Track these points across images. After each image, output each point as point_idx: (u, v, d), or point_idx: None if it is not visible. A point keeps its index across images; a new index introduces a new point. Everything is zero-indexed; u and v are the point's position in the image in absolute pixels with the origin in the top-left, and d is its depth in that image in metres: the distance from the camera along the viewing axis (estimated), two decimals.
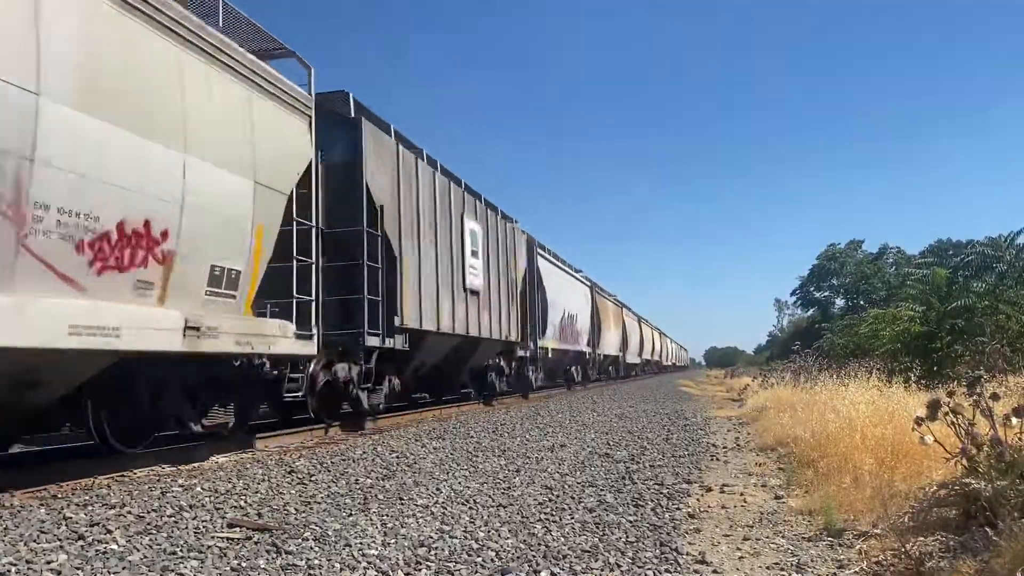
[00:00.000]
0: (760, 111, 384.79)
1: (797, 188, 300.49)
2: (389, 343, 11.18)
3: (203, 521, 4.74)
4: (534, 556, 4.05)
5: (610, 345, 35.54)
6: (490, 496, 5.78)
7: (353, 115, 11.09)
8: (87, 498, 5.36)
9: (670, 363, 77.64)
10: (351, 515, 5.06)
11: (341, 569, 3.79)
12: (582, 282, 29.51)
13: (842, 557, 4.08)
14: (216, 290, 6.95)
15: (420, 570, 3.81)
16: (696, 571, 3.91)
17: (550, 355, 22.37)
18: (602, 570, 3.84)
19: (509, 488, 6.16)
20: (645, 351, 52.38)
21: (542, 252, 22.89)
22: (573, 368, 27.53)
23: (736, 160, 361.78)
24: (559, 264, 25.75)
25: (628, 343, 42.12)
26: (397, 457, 7.83)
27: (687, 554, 4.19)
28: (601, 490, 6.10)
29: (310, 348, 8.58)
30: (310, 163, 8.70)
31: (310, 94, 8.79)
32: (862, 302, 53.99)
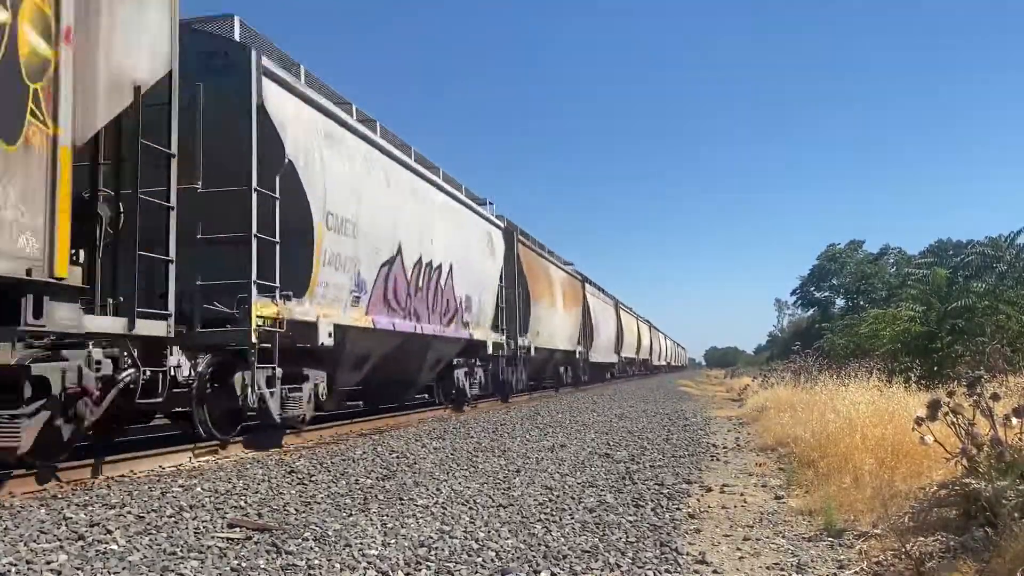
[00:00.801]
0: (761, 111, 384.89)
1: (798, 188, 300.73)
2: None
3: (203, 521, 4.73)
4: (534, 556, 4.05)
5: (555, 334, 22.96)
6: (490, 496, 5.78)
7: None
8: (87, 498, 5.36)
9: (663, 363, 68.75)
10: (351, 515, 5.05)
11: (341, 569, 3.79)
12: (481, 217, 16.28)
13: (842, 557, 4.08)
14: None
15: (420, 570, 3.81)
16: (696, 571, 3.91)
17: (324, 339, 9.00)
18: (602, 570, 3.84)
19: (509, 488, 6.16)
20: (626, 346, 40.19)
21: (302, 92, 9.04)
22: (461, 372, 15.11)
23: (736, 160, 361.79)
24: (389, 152, 11.40)
25: (595, 334, 30.12)
26: (397, 457, 7.83)
27: (687, 554, 4.19)
28: (601, 490, 6.10)
29: None
30: None
31: None
32: (862, 302, 53.95)
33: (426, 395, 15.77)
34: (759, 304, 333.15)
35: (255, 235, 7.89)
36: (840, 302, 67.81)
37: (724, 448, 9.32)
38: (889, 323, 18.77)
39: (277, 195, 8.29)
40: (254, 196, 7.93)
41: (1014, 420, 4.05)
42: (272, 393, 8.20)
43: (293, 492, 5.83)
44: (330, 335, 9.22)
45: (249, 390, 7.84)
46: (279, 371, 8.27)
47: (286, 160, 8.42)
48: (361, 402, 13.31)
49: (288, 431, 9.07)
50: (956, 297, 16.23)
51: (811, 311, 74.10)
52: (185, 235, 6.97)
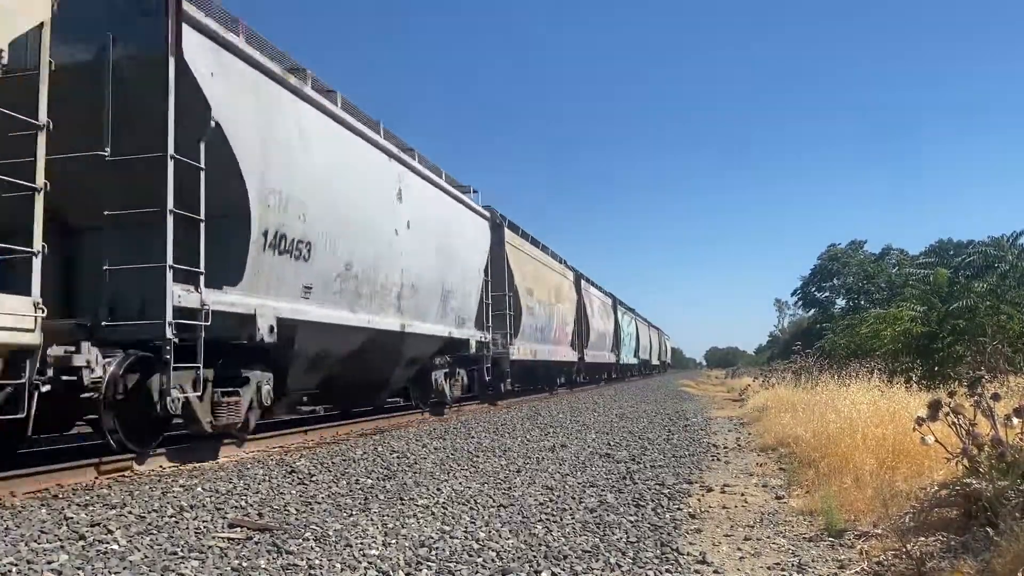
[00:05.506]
0: (761, 110, 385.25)
1: (798, 188, 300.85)
2: None
3: (204, 521, 4.74)
4: (535, 556, 4.05)
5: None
6: (491, 496, 5.78)
7: None
8: (88, 498, 5.37)
9: (656, 360, 59.26)
10: (352, 515, 5.06)
11: (342, 569, 3.79)
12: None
13: (843, 557, 4.08)
14: None
15: (421, 570, 3.81)
16: (697, 571, 3.91)
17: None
18: (603, 570, 3.83)
19: (510, 488, 6.16)
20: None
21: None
22: None
23: (736, 160, 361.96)
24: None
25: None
26: (398, 457, 7.83)
27: (688, 554, 4.18)
28: (602, 490, 6.10)
29: None
30: None
31: None
32: (863, 302, 53.88)
33: None
34: (759, 304, 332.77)
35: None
36: (841, 302, 67.73)
37: (725, 448, 9.31)
38: (890, 323, 18.74)
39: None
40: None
41: (1015, 420, 4.05)
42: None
43: (294, 492, 5.84)
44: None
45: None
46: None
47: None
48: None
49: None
50: (957, 297, 16.20)
51: (812, 311, 74.02)
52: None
